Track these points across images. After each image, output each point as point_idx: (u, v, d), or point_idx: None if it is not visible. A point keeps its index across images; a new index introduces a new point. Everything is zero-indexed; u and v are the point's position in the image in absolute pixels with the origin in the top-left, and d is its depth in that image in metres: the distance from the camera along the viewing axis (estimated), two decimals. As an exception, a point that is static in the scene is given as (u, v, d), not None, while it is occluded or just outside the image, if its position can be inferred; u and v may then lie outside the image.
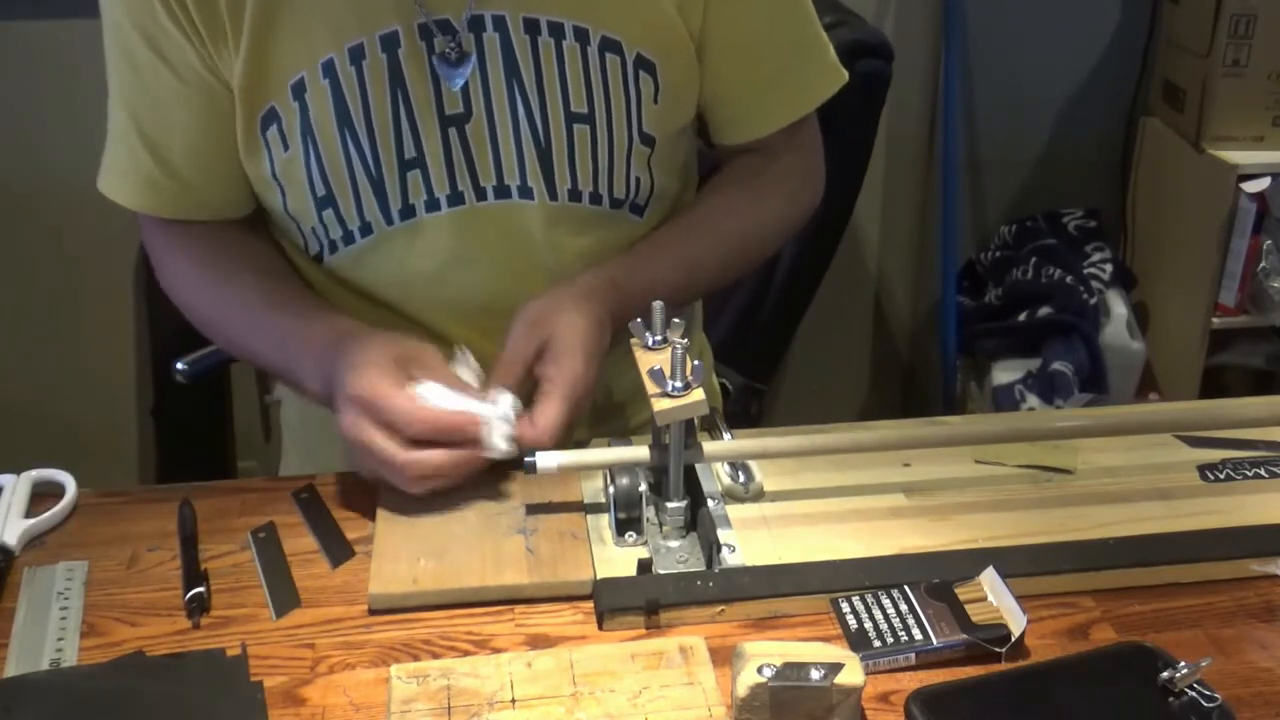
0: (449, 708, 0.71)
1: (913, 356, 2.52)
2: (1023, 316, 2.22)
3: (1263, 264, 2.12)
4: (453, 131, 0.97)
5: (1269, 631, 0.79)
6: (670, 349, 0.83)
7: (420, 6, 0.93)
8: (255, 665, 0.76)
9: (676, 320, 0.87)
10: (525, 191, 0.99)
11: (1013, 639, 0.75)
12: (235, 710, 0.72)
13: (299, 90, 0.95)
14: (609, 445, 0.93)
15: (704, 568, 0.84)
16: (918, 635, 0.76)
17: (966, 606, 0.77)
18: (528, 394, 0.91)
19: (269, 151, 0.98)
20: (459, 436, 0.86)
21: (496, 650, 0.77)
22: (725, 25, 1.01)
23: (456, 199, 0.99)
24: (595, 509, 0.89)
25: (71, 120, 1.99)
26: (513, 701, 0.71)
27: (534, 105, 0.97)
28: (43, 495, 0.93)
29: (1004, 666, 0.75)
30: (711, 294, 1.17)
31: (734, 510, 0.88)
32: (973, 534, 0.87)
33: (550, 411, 0.89)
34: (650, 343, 0.87)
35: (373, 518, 0.89)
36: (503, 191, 0.99)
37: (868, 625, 0.77)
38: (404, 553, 0.85)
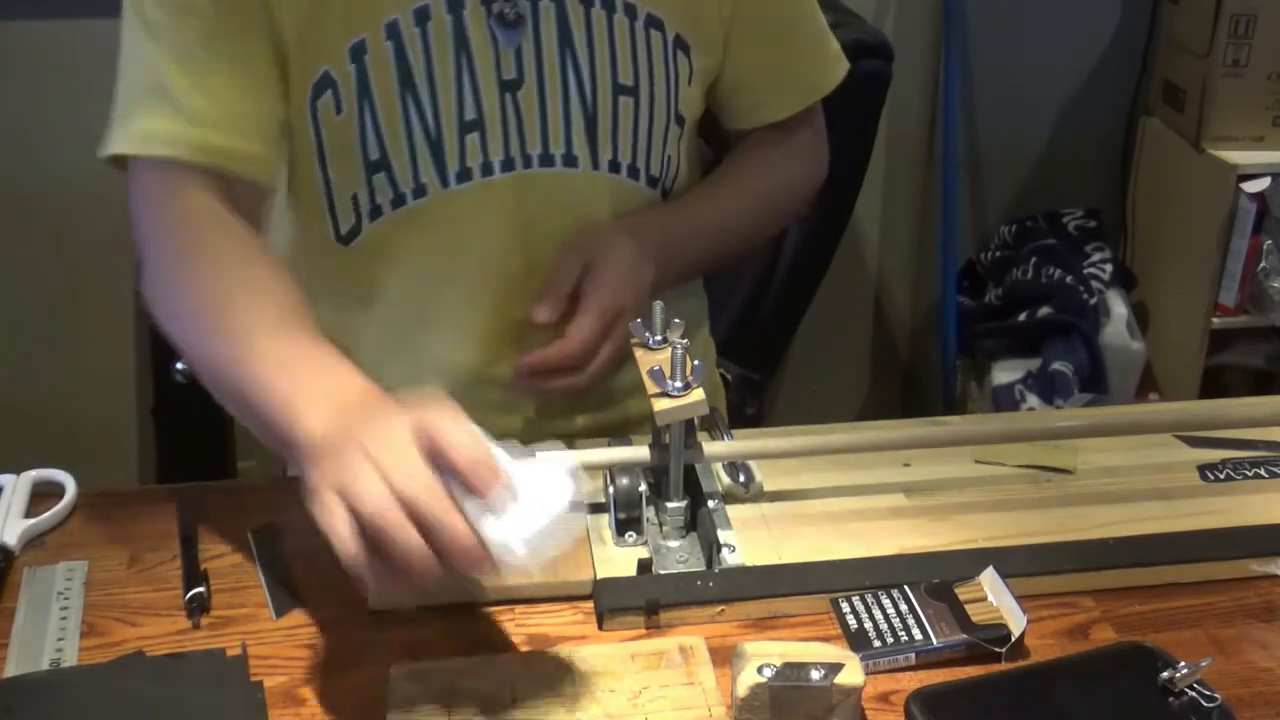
0: (449, 708, 0.71)
1: (913, 356, 2.51)
2: (1023, 316, 2.22)
3: (1263, 264, 2.12)
4: (508, 96, 0.98)
5: (1269, 631, 0.79)
6: (670, 349, 0.83)
7: None
8: (255, 665, 0.76)
9: (677, 320, 0.87)
10: (570, 160, 1.01)
11: (1013, 639, 0.75)
12: (235, 710, 0.72)
13: (358, 52, 0.95)
14: (609, 445, 0.94)
15: (704, 568, 0.84)
16: (918, 635, 0.76)
17: (966, 606, 0.77)
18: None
19: (315, 120, 0.97)
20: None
21: (496, 650, 0.77)
22: (752, 11, 1.05)
23: (508, 165, 1.00)
24: (595, 509, 0.89)
25: (71, 121, 1.98)
26: (513, 701, 0.71)
27: (584, 74, 0.99)
28: (43, 495, 0.93)
29: (1004, 666, 0.75)
30: (741, 255, 1.24)
31: (734, 510, 0.88)
32: (973, 534, 0.87)
33: (582, 323, 0.94)
34: (650, 343, 0.87)
35: (373, 518, 0.89)
36: (548, 160, 1.01)
37: (868, 625, 0.77)
38: (404, 553, 0.84)
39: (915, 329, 2.49)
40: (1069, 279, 2.19)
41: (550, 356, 0.96)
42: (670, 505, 0.87)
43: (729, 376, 1.46)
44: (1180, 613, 0.81)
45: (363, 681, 0.75)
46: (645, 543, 0.86)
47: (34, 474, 0.95)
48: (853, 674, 0.68)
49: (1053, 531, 0.88)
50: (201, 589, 0.82)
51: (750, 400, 1.65)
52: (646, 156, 1.04)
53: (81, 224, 2.05)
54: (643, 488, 0.86)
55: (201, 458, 2.01)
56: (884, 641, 0.76)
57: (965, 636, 0.75)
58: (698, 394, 0.82)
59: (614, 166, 1.03)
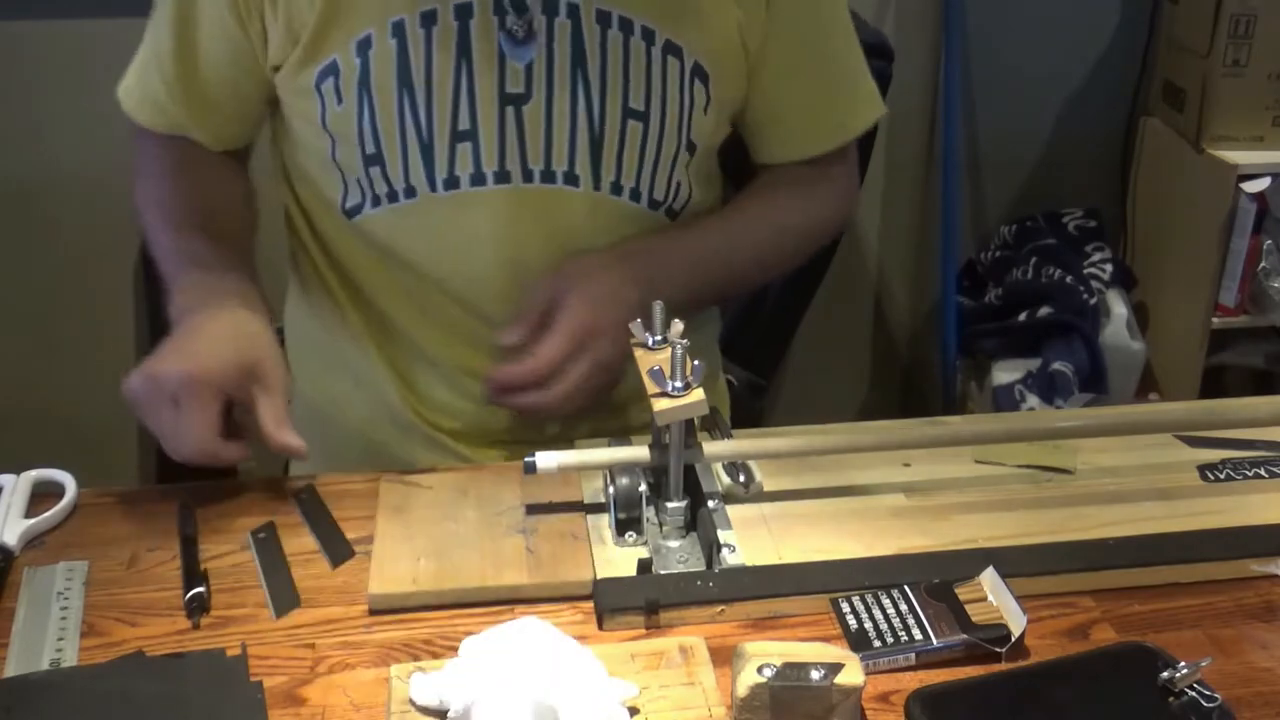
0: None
1: (913, 356, 2.51)
2: (1023, 316, 2.22)
3: (1263, 264, 2.12)
4: (510, 110, 0.98)
5: (1269, 631, 0.79)
6: (670, 349, 0.83)
7: None
8: (255, 665, 0.76)
9: (676, 320, 0.87)
10: (571, 179, 1.01)
11: (1013, 639, 0.75)
12: (235, 710, 0.72)
13: (364, 46, 0.96)
14: (609, 445, 0.94)
15: (704, 568, 0.84)
16: (918, 635, 0.76)
17: (966, 606, 0.77)
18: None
19: (323, 102, 0.99)
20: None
21: (496, 650, 0.77)
22: (784, 46, 1.04)
23: (503, 177, 1.00)
24: (595, 509, 0.89)
25: (71, 120, 1.98)
26: (513, 701, 0.71)
27: (594, 96, 0.99)
28: (43, 495, 0.93)
29: (1004, 666, 0.75)
30: (745, 288, 1.23)
31: (734, 510, 0.88)
32: (973, 534, 0.87)
33: (549, 342, 0.94)
34: (650, 343, 0.87)
35: (373, 518, 0.89)
36: (549, 176, 1.01)
37: (868, 625, 0.77)
38: (404, 553, 0.85)
39: (915, 329, 2.49)
40: (1069, 279, 2.19)
41: (515, 373, 0.96)
42: (670, 505, 0.87)
43: (734, 381, 1.46)
44: (1180, 613, 0.81)
45: (363, 681, 0.75)
46: (645, 543, 0.86)
47: (34, 474, 0.95)
48: (853, 674, 0.68)
49: (1053, 531, 0.88)
50: (201, 589, 0.82)
51: (751, 402, 1.65)
52: (651, 181, 1.04)
53: (82, 224, 2.05)
54: (643, 488, 0.86)
55: (202, 458, 2.01)
56: (884, 641, 0.76)
57: (965, 636, 0.75)
58: (698, 394, 0.82)
59: (616, 189, 1.02)
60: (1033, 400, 2.11)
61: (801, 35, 1.05)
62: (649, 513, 0.87)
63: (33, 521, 0.89)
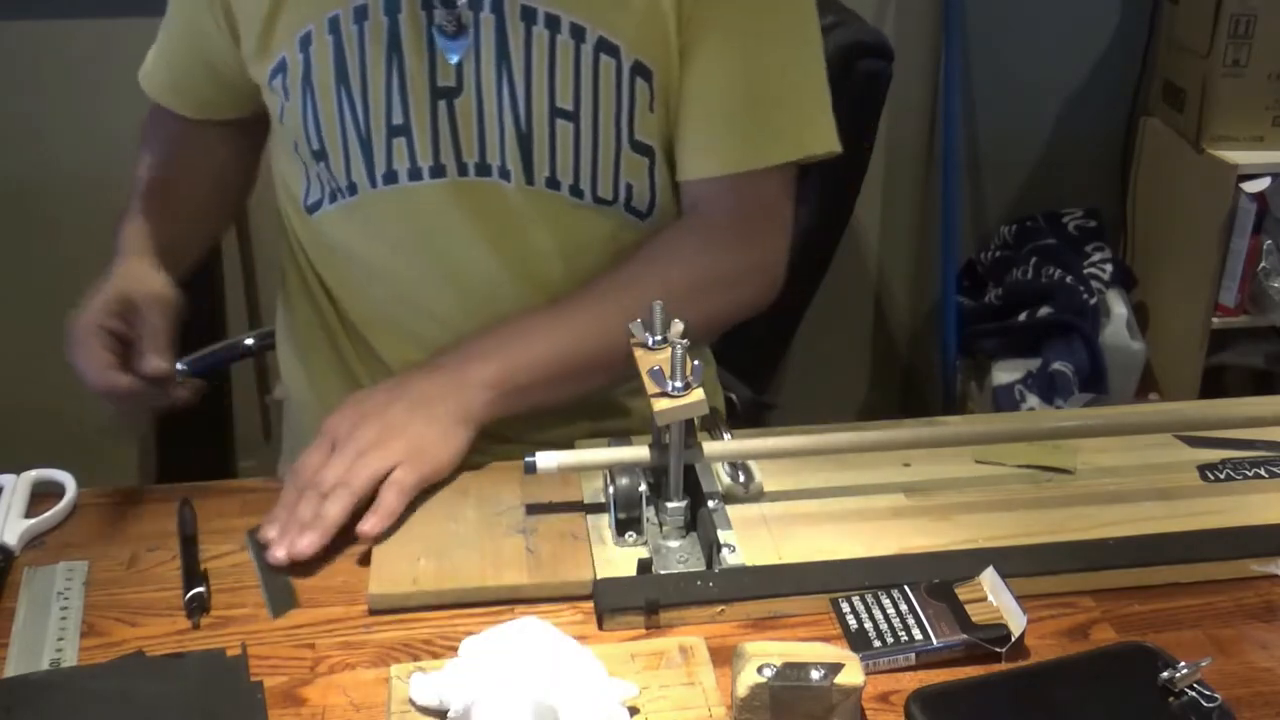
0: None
1: (913, 356, 2.51)
2: (1023, 316, 2.22)
3: (1263, 264, 2.12)
4: (442, 104, 0.98)
5: (1269, 631, 0.79)
6: (670, 349, 0.83)
7: None
8: (255, 665, 0.76)
9: (676, 320, 0.87)
10: (504, 173, 1.00)
11: (1013, 639, 0.75)
12: (235, 710, 0.72)
13: (305, 43, 0.97)
14: (609, 445, 0.94)
15: (704, 568, 0.84)
16: (918, 635, 0.76)
17: (966, 606, 0.77)
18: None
19: (278, 99, 1.02)
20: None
21: (496, 650, 0.77)
22: (715, 43, 0.97)
23: (439, 171, 1.00)
24: (595, 509, 0.89)
25: (71, 121, 1.98)
26: (513, 701, 0.71)
27: (519, 93, 0.97)
28: (43, 495, 0.93)
29: (1004, 666, 0.75)
30: (610, 378, 1.03)
31: (734, 510, 0.88)
32: (973, 534, 0.87)
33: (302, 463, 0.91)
34: (650, 343, 0.87)
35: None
36: (484, 170, 1.00)
37: (868, 625, 0.77)
38: (404, 553, 0.85)
39: (915, 329, 2.49)
40: (1069, 279, 2.19)
41: (280, 506, 0.88)
42: (670, 505, 0.87)
43: (737, 400, 1.45)
44: (1180, 613, 0.81)
45: (363, 681, 0.75)
46: (645, 543, 0.86)
47: (34, 474, 0.95)
48: (853, 674, 0.68)
49: (1053, 531, 0.88)
50: (201, 589, 0.82)
51: (755, 420, 1.64)
52: (593, 179, 1.00)
53: (82, 224, 2.04)
54: (643, 488, 0.86)
55: (201, 458, 2.01)
56: (884, 641, 0.76)
57: (965, 636, 0.75)
58: (698, 394, 0.82)
59: (552, 184, 1.00)
60: (1033, 400, 2.11)
61: (721, 46, 0.97)
62: (649, 513, 0.87)
63: (33, 521, 0.89)
